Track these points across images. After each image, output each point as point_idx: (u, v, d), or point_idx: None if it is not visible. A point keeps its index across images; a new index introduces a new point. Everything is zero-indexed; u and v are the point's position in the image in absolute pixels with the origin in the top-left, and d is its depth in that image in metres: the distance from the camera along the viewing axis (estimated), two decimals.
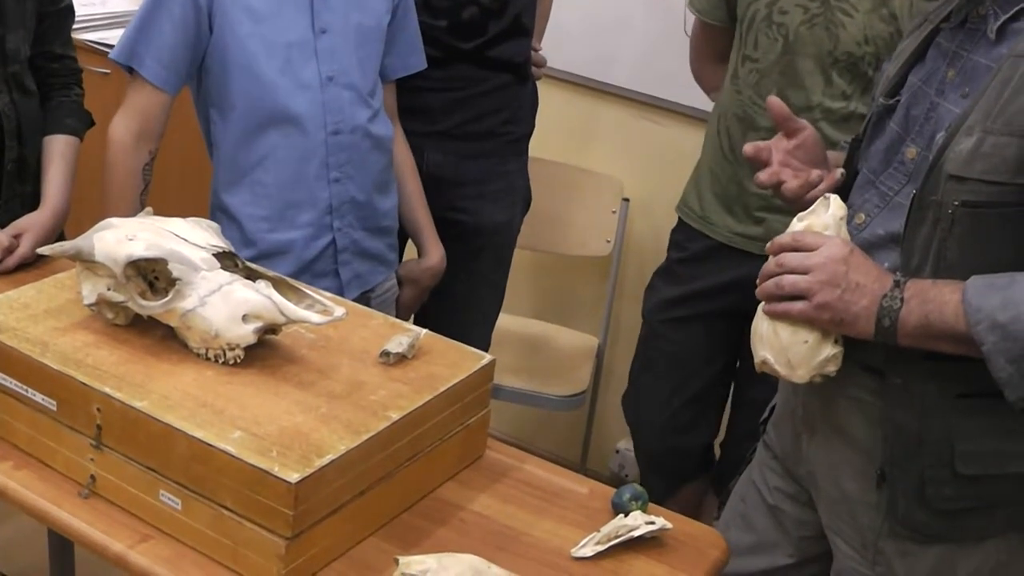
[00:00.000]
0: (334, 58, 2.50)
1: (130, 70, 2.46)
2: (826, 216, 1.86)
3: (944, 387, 1.80)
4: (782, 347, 1.84)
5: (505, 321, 3.71)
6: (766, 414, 2.22)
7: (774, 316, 1.83)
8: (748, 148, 2.04)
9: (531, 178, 3.15)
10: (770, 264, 1.84)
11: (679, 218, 3.06)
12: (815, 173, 2.01)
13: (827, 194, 1.90)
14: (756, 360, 1.89)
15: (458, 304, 3.07)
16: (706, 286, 2.96)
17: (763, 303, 1.86)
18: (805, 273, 1.78)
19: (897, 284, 1.75)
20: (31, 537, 2.97)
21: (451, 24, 2.81)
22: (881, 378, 1.85)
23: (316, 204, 2.55)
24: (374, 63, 2.61)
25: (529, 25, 2.93)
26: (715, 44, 3.04)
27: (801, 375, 1.84)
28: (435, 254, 2.85)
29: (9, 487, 1.82)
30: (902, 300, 1.74)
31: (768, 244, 1.87)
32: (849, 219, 1.90)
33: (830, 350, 1.82)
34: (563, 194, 3.77)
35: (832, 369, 1.84)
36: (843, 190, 2.01)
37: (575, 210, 3.78)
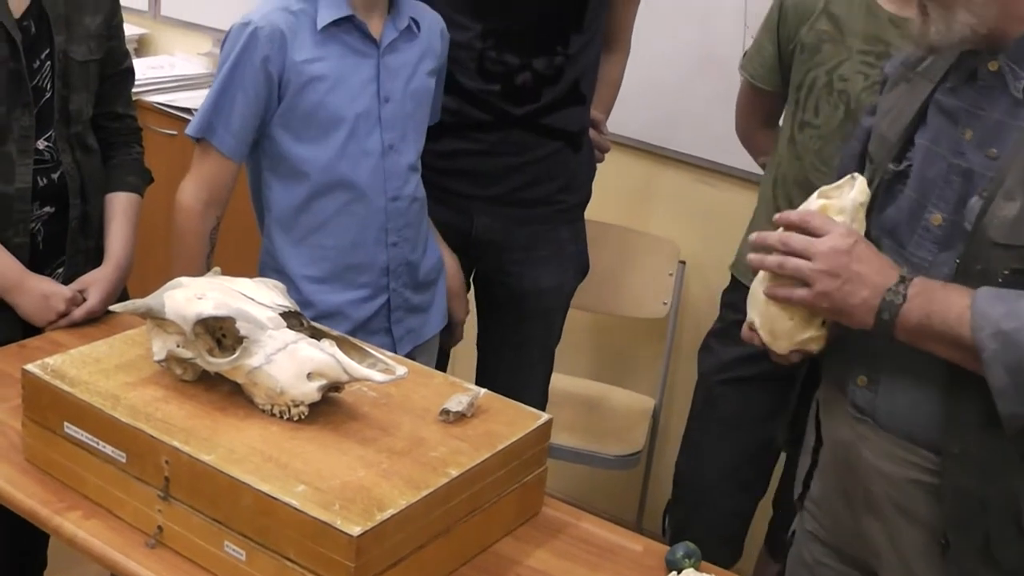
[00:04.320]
0: (394, 126, 2.55)
1: (197, 139, 2.50)
2: (847, 198, 1.86)
3: (1005, 451, 1.78)
4: (770, 316, 1.87)
5: (562, 381, 3.74)
6: (800, 490, 2.19)
7: (775, 299, 1.86)
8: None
9: (589, 240, 3.15)
10: (773, 237, 1.84)
11: (733, 278, 3.06)
12: None
13: (854, 174, 1.91)
14: (747, 319, 1.93)
15: (510, 367, 3.08)
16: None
17: (762, 275, 1.89)
18: (808, 259, 1.79)
19: (903, 280, 1.77)
20: None
21: (504, 89, 2.82)
22: (938, 453, 1.83)
23: (374, 267, 2.59)
24: (424, 127, 2.67)
25: (587, 93, 2.93)
26: (765, 109, 3.06)
27: (781, 346, 1.89)
28: (447, 258, 2.86)
29: (78, 536, 1.87)
30: (905, 296, 1.75)
31: (776, 215, 1.88)
32: None
33: (814, 332, 1.86)
34: (620, 256, 3.80)
35: (814, 348, 1.88)
36: None
37: (632, 272, 3.81)
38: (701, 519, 3.16)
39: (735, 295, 3.05)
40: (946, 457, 1.82)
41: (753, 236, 1.89)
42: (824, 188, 1.91)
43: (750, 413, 3.03)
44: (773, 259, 1.84)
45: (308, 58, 2.44)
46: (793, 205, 2.80)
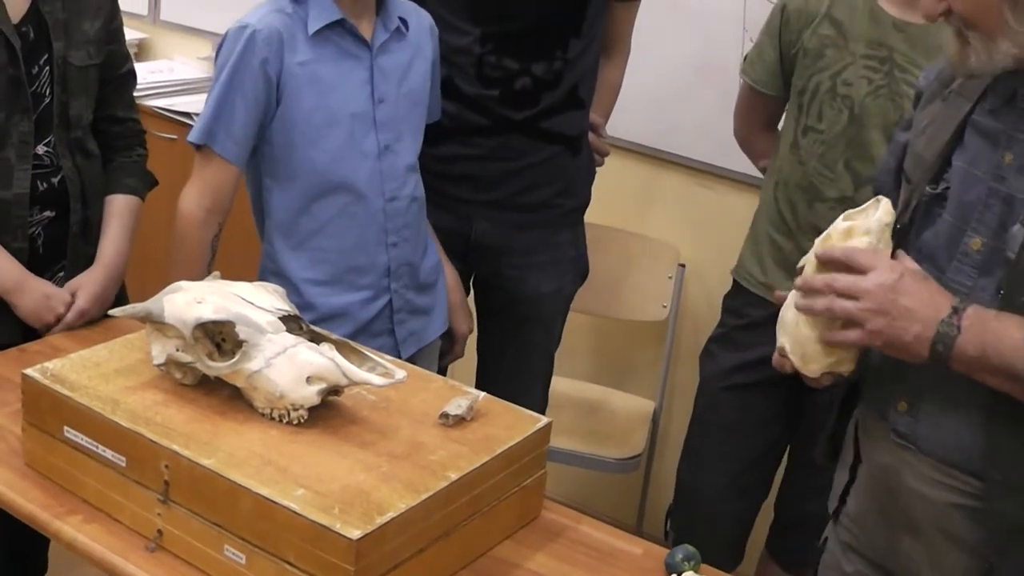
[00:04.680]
0: (390, 127, 2.56)
1: (198, 146, 2.49)
2: (872, 220, 1.84)
3: None
4: (800, 340, 1.86)
5: (562, 384, 3.74)
6: (836, 504, 2.15)
7: (832, 344, 1.83)
8: None
9: (588, 243, 3.16)
10: (817, 280, 1.82)
11: (735, 283, 3.06)
12: None
13: (879, 196, 1.87)
14: (777, 345, 1.91)
15: (510, 371, 3.09)
16: (768, 352, 2.95)
17: (791, 299, 1.88)
18: (855, 298, 1.77)
19: (955, 311, 1.72)
20: None
21: (503, 94, 2.82)
22: (981, 478, 1.82)
23: (375, 268, 2.59)
24: (421, 127, 2.68)
25: (586, 98, 2.94)
26: (765, 113, 3.06)
27: (813, 369, 1.87)
28: (449, 273, 2.86)
29: (78, 540, 1.88)
30: (959, 328, 1.71)
31: (817, 250, 1.85)
32: None
33: (844, 353, 1.85)
34: (620, 260, 3.80)
35: (846, 370, 1.87)
36: None
37: (632, 275, 3.81)
38: (704, 524, 3.15)
39: (737, 300, 3.05)
40: (988, 483, 1.81)
41: (798, 281, 1.87)
42: (849, 212, 1.89)
43: (751, 419, 3.03)
44: (821, 304, 1.81)
45: (303, 60, 2.44)
46: (796, 209, 2.81)
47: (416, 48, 2.62)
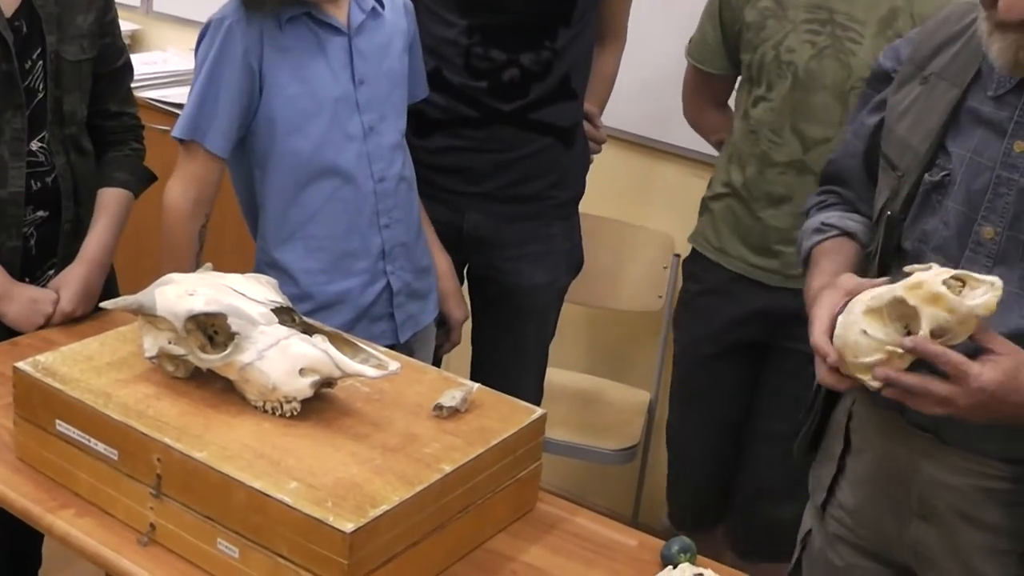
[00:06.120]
0: (372, 107, 2.55)
1: (183, 140, 2.48)
2: (964, 305, 1.64)
3: None
4: (849, 344, 1.73)
5: (557, 375, 3.73)
6: (824, 495, 2.11)
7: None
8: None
9: (584, 234, 3.15)
10: (909, 380, 1.68)
11: (693, 249, 3.10)
12: None
13: (995, 282, 1.66)
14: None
15: (504, 362, 3.08)
16: (726, 320, 2.99)
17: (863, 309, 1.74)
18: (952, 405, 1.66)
19: None
20: None
21: (491, 85, 2.81)
22: (1016, 464, 1.81)
23: (370, 251, 2.59)
24: (403, 106, 2.67)
25: (579, 88, 2.92)
26: (711, 91, 3.14)
27: (843, 369, 1.75)
28: (442, 261, 2.86)
29: (71, 534, 1.87)
30: None
31: (910, 342, 1.67)
32: None
33: (875, 384, 1.72)
34: (615, 250, 3.79)
35: (866, 385, 1.75)
36: (886, 268, 1.92)
37: (627, 266, 3.81)
38: (687, 492, 3.28)
39: (695, 265, 3.12)
40: (1017, 465, 1.81)
41: (909, 341, 1.69)
42: (962, 274, 1.68)
43: (718, 388, 3.09)
44: (914, 404, 1.70)
45: (283, 48, 2.44)
46: (748, 176, 2.88)
47: (393, 27, 2.61)
